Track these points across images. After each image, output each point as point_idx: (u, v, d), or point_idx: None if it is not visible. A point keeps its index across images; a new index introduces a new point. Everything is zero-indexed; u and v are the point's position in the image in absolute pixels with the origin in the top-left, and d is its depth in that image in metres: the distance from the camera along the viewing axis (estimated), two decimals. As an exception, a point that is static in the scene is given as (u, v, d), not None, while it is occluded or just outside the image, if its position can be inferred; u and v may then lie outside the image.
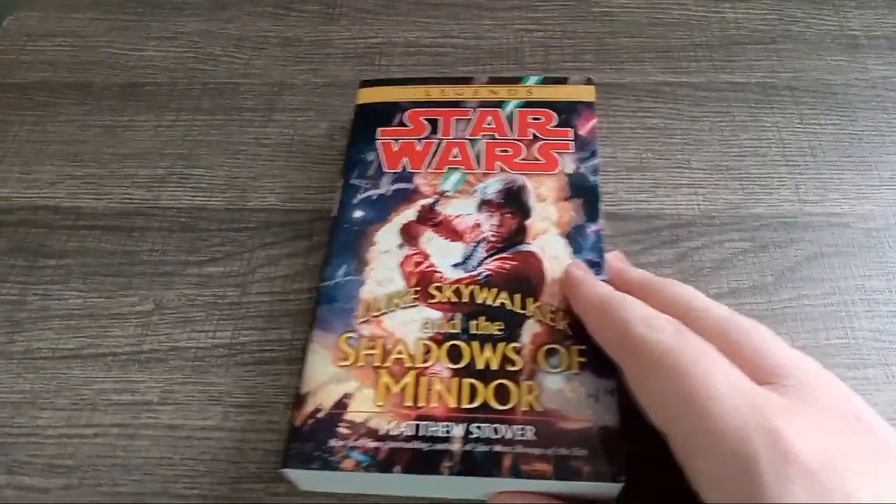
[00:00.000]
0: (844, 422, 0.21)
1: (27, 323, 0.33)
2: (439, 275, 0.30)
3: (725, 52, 0.42)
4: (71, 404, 0.31)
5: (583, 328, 0.27)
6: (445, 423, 0.25)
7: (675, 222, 0.35)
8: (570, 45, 0.43)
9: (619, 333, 0.25)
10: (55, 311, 0.33)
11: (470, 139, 0.34)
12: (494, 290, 0.29)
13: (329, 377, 0.27)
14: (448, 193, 0.32)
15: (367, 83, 0.37)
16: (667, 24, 0.44)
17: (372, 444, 0.25)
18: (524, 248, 0.30)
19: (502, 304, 0.29)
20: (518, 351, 0.27)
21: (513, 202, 0.32)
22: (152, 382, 0.31)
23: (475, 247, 0.30)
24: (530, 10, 0.45)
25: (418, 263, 0.30)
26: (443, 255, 0.30)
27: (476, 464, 0.25)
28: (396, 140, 0.34)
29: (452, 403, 0.26)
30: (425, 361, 0.27)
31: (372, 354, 0.27)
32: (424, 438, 0.25)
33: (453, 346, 0.28)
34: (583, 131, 0.34)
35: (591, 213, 0.31)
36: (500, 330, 0.28)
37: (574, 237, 0.30)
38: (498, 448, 0.25)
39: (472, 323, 0.28)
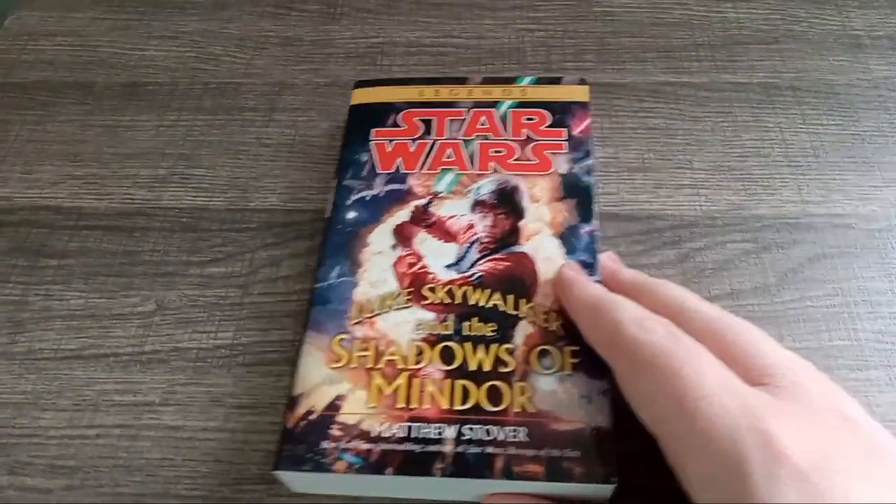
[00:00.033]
0: (836, 422, 0.21)
1: (29, 323, 0.33)
2: (432, 276, 0.30)
3: (727, 52, 0.42)
4: (73, 405, 0.31)
5: (576, 329, 0.27)
6: (438, 425, 0.25)
7: (677, 223, 0.35)
8: (572, 44, 0.43)
9: (610, 334, 0.25)
10: (57, 312, 0.33)
11: (464, 140, 0.34)
12: (487, 292, 0.29)
13: (322, 379, 0.27)
14: (442, 194, 0.32)
15: (361, 83, 0.37)
16: (668, 23, 0.44)
17: (364, 445, 0.25)
18: (517, 249, 0.30)
19: (495, 305, 0.29)
20: (511, 352, 0.27)
21: (506, 203, 0.32)
22: (154, 383, 0.31)
23: (468, 248, 0.30)
24: (531, 9, 0.45)
25: (411, 264, 0.30)
26: (436, 256, 0.30)
27: (468, 465, 0.24)
28: (390, 141, 0.34)
29: (445, 405, 0.26)
30: (418, 363, 0.27)
31: (365, 356, 0.27)
32: (416, 440, 0.25)
33: (446, 347, 0.28)
34: (576, 131, 0.34)
35: (585, 213, 0.31)
36: (492, 331, 0.28)
37: (567, 238, 0.30)
38: (490, 449, 0.25)
39: (465, 324, 0.28)
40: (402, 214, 0.32)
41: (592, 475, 0.24)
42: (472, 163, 0.33)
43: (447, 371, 0.27)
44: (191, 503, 0.28)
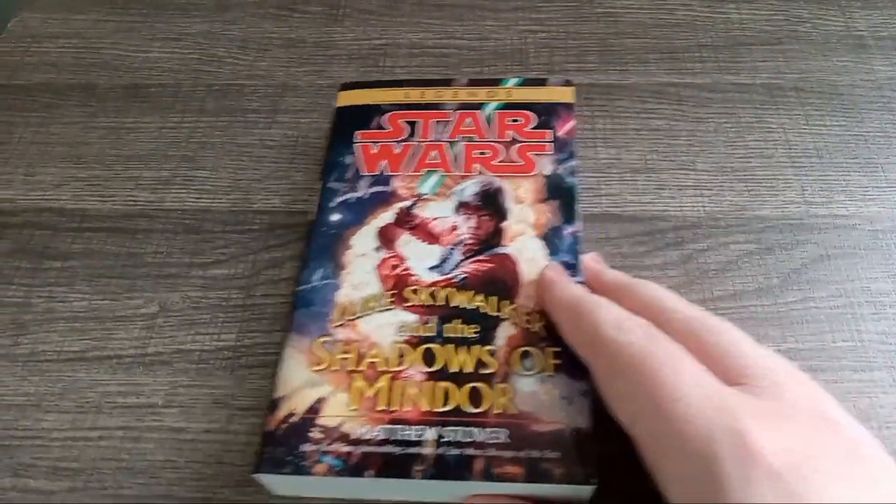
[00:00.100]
0: (815, 422, 0.21)
1: (32, 325, 0.33)
2: (415, 278, 0.30)
3: (730, 53, 0.42)
4: (76, 407, 0.31)
5: (557, 330, 0.27)
6: (418, 427, 0.25)
7: (679, 224, 0.35)
8: (574, 45, 0.43)
9: (589, 335, 0.25)
10: (60, 314, 0.33)
11: (449, 141, 0.34)
12: (470, 293, 0.29)
13: (303, 382, 0.27)
14: (426, 196, 0.32)
15: (346, 86, 0.37)
16: (671, 24, 0.44)
17: (344, 448, 0.25)
18: (500, 250, 0.30)
19: (478, 306, 0.29)
20: (493, 353, 0.27)
21: (490, 204, 0.32)
22: (157, 385, 0.31)
23: (452, 249, 0.30)
24: (534, 11, 0.45)
25: (395, 266, 0.30)
26: (419, 258, 0.30)
27: (448, 467, 0.24)
28: (375, 143, 0.34)
29: (425, 407, 0.26)
30: (399, 365, 0.27)
31: (346, 358, 0.27)
32: (397, 442, 0.25)
33: (427, 349, 0.27)
34: (561, 133, 0.34)
35: (568, 214, 0.31)
36: (475, 333, 0.28)
37: (551, 239, 0.30)
38: (470, 451, 0.25)
39: (447, 326, 0.28)
40: (386, 216, 0.32)
41: (572, 476, 0.24)
42: (456, 164, 0.33)
43: (428, 373, 0.27)
44: (194, 505, 0.28)
